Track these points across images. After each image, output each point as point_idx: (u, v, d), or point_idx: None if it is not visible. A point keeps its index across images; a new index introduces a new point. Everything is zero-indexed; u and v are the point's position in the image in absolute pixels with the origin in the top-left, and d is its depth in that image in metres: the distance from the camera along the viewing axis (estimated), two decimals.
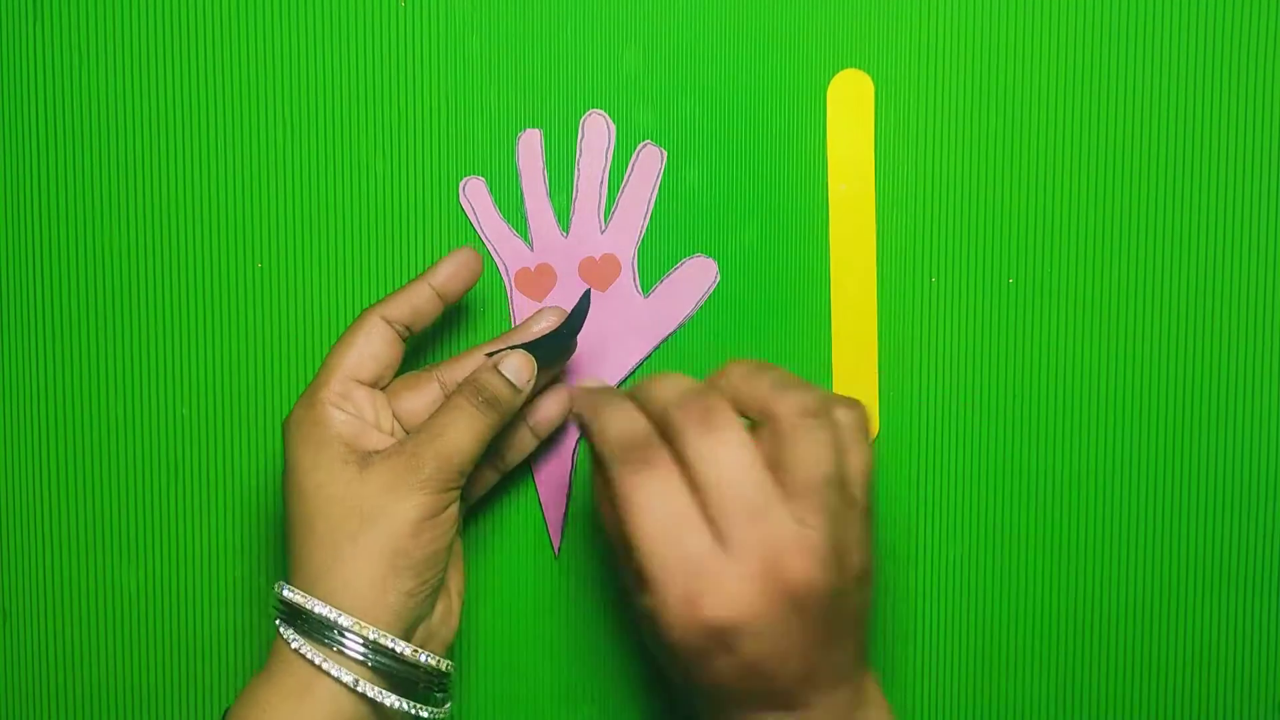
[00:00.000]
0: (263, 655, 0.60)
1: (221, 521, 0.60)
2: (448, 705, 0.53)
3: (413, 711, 0.51)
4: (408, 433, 0.54)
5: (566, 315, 0.55)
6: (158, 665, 0.60)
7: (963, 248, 0.59)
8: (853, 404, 0.51)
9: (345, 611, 0.50)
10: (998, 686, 0.60)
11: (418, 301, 0.54)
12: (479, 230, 0.59)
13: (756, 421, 0.51)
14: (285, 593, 0.51)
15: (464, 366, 0.55)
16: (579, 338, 0.55)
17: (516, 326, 0.56)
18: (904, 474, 0.60)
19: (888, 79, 0.59)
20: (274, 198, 0.59)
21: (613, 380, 0.59)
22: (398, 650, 0.51)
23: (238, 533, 0.60)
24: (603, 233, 0.59)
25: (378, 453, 0.52)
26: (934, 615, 0.60)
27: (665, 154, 0.59)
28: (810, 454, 0.49)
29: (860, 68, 0.59)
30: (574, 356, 0.57)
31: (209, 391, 0.59)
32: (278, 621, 0.51)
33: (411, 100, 0.59)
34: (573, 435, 0.59)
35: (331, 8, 0.59)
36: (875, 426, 0.59)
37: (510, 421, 0.54)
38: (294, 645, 0.50)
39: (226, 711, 0.51)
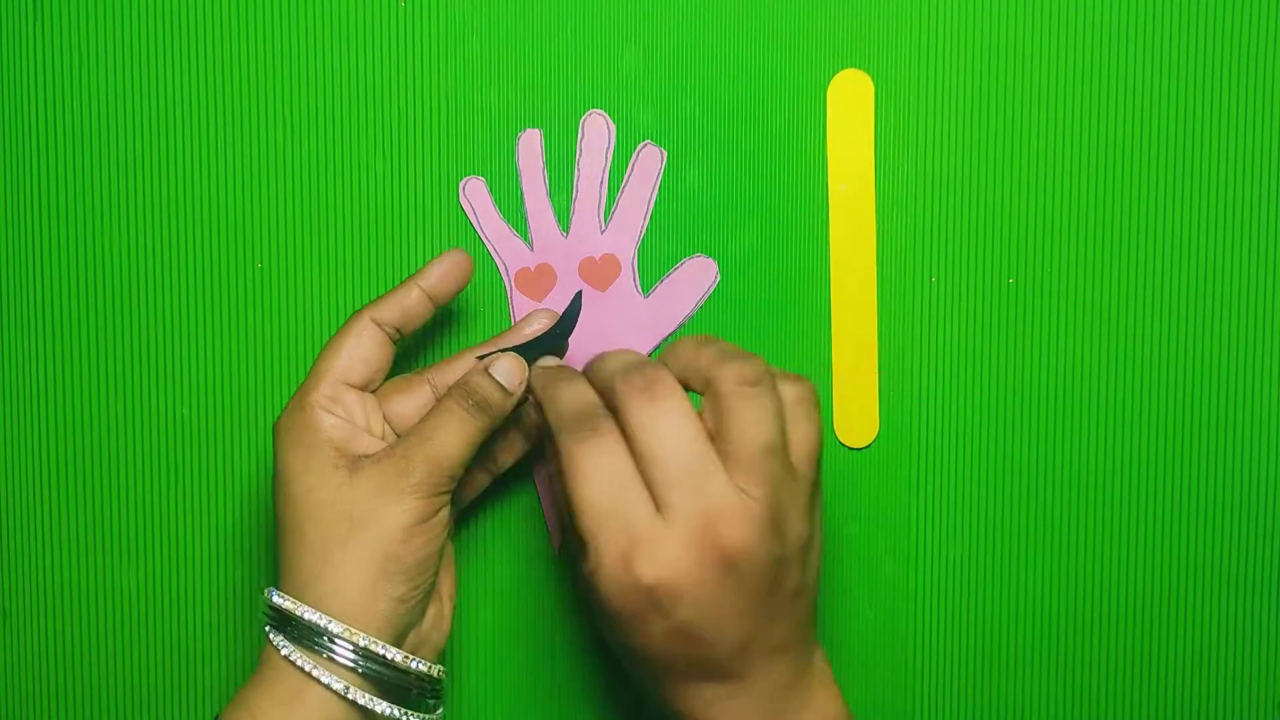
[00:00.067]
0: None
1: (221, 522, 0.60)
2: (439, 711, 0.53)
3: (403, 718, 0.51)
4: (399, 436, 0.53)
5: (558, 317, 0.55)
6: (157, 665, 0.60)
7: (963, 248, 0.59)
8: (800, 379, 0.52)
9: (335, 618, 0.50)
10: (998, 686, 0.60)
11: (408, 303, 0.54)
12: (479, 230, 0.59)
13: (701, 393, 0.51)
14: (275, 598, 0.51)
15: (455, 369, 0.55)
16: (571, 339, 0.55)
17: (508, 329, 0.56)
18: (904, 474, 0.60)
19: (888, 79, 0.59)
20: (274, 198, 0.59)
21: None
22: (388, 657, 0.50)
23: (238, 533, 0.60)
24: (603, 233, 0.59)
25: (367, 457, 0.51)
26: (934, 615, 0.60)
27: (665, 154, 0.59)
28: (749, 422, 0.49)
29: (860, 68, 0.59)
30: (574, 357, 0.57)
31: (209, 391, 0.59)
32: (267, 628, 0.51)
33: (411, 100, 0.59)
34: None
35: (331, 8, 0.59)
36: (879, 415, 0.59)
37: (503, 423, 0.54)
38: (284, 652, 0.50)
39: (216, 718, 0.51)
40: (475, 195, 0.59)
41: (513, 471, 0.58)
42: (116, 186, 0.59)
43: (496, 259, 0.59)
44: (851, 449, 0.60)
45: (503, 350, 0.54)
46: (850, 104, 0.59)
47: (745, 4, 0.58)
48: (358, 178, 0.59)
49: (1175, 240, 0.59)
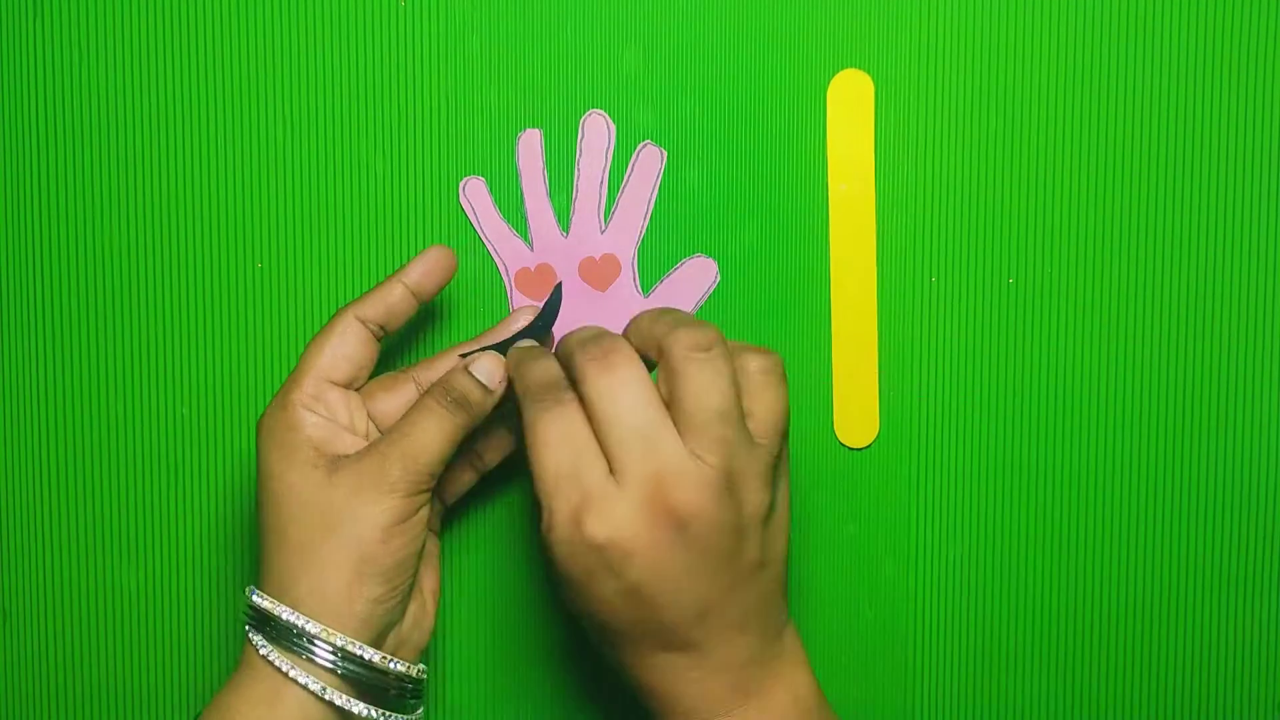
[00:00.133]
0: None
1: (221, 522, 0.60)
2: (419, 711, 0.53)
3: (381, 719, 0.51)
4: (383, 434, 0.53)
5: (540, 310, 0.55)
6: (157, 665, 0.60)
7: (963, 248, 0.59)
8: (766, 350, 0.52)
9: (313, 618, 0.50)
10: (998, 686, 0.60)
11: (391, 300, 0.54)
12: (479, 230, 0.59)
13: (656, 362, 0.51)
14: (254, 598, 0.51)
15: (439, 368, 0.55)
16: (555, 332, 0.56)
17: (493, 326, 0.56)
18: (904, 474, 0.60)
19: (888, 79, 0.59)
20: (274, 197, 0.59)
21: None
22: (366, 658, 0.50)
23: (237, 533, 0.60)
24: (603, 233, 0.59)
25: (347, 457, 0.51)
26: (934, 615, 0.60)
27: (665, 154, 0.59)
28: (700, 386, 0.49)
29: (860, 68, 0.59)
30: None
31: (209, 391, 0.59)
32: (248, 627, 0.51)
33: (411, 100, 0.59)
34: None
35: (331, 8, 0.59)
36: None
37: (489, 421, 0.54)
38: (263, 652, 0.50)
39: (197, 718, 0.51)
40: (475, 195, 0.59)
41: (499, 470, 0.58)
42: (116, 185, 0.59)
43: (496, 259, 0.59)
44: (851, 449, 0.60)
45: (486, 348, 0.54)
46: (850, 104, 0.59)
47: (745, 4, 0.58)
48: (358, 178, 0.59)
49: (1175, 240, 0.59)
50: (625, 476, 0.49)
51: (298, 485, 0.51)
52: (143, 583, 0.60)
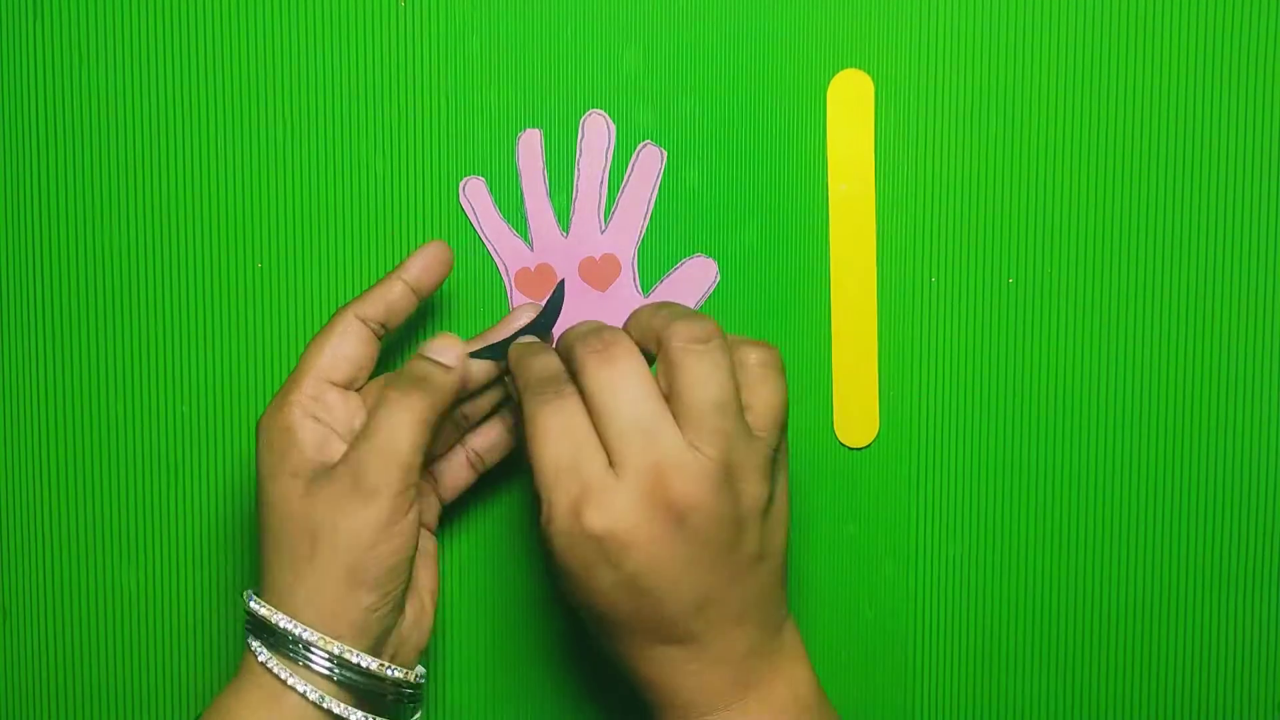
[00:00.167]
0: None
1: (221, 522, 0.60)
2: (418, 715, 0.53)
3: None
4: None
5: (542, 308, 0.55)
6: (157, 665, 0.60)
7: (963, 248, 0.59)
8: (764, 344, 0.52)
9: (311, 626, 0.50)
10: (998, 686, 0.60)
11: (391, 298, 0.54)
12: (479, 230, 0.59)
13: (655, 355, 0.51)
14: (252, 604, 0.51)
15: None
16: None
17: (494, 325, 0.56)
18: (904, 474, 0.60)
19: (888, 79, 0.59)
20: (274, 198, 0.59)
21: None
22: (363, 665, 0.50)
23: (238, 533, 0.60)
24: (603, 233, 0.59)
25: (327, 469, 0.51)
26: (934, 615, 0.60)
27: (665, 154, 0.59)
28: (698, 377, 0.49)
29: (860, 68, 0.59)
30: None
31: (209, 391, 0.59)
32: (248, 632, 0.51)
33: (411, 100, 0.59)
34: None
35: (331, 8, 0.59)
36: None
37: (487, 418, 0.54)
38: (261, 658, 0.50)
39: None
40: (475, 195, 0.59)
41: (498, 469, 0.58)
42: (116, 186, 0.59)
43: (496, 259, 0.59)
44: (851, 449, 0.60)
45: (489, 345, 0.54)
46: (850, 104, 0.59)
47: (745, 4, 0.58)
48: (358, 178, 0.59)
49: (1175, 240, 0.59)
50: (625, 468, 0.49)
51: (286, 494, 0.51)
52: (143, 583, 0.60)
